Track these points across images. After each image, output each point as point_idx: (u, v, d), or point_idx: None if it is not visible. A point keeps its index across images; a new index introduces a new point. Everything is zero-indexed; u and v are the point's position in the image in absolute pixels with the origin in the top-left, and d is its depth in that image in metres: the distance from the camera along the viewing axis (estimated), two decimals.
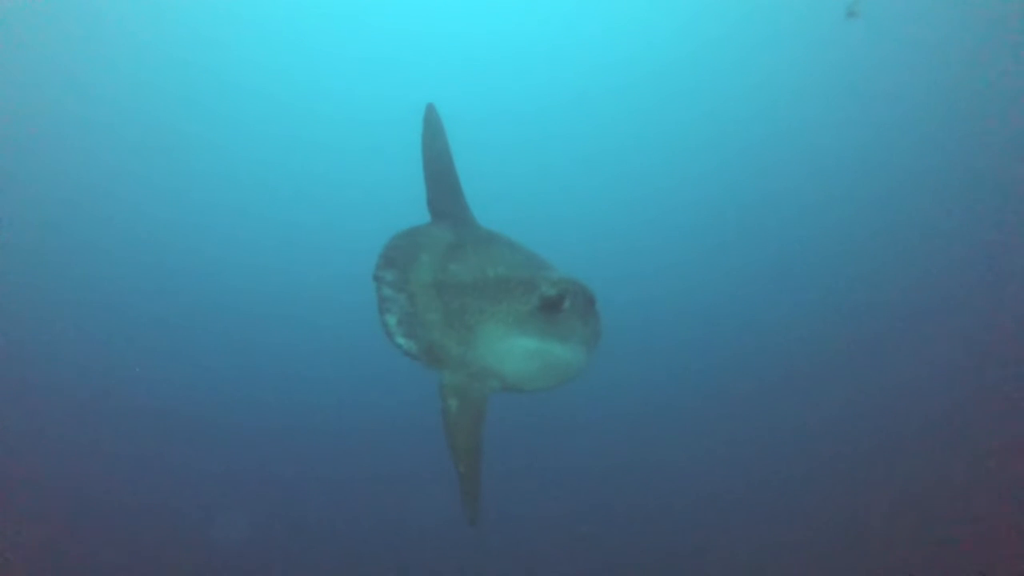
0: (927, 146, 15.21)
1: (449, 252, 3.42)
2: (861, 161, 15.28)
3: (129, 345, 12.49)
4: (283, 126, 16.92)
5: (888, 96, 15.53)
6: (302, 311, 13.51)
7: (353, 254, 14.93)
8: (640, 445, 10.11)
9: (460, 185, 3.87)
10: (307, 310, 13.51)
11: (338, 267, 14.22)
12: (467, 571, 8.44)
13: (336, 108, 17.12)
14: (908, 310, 12.59)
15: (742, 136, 16.48)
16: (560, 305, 3.25)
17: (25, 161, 15.26)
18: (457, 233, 3.60)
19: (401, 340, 3.13)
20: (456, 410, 3.00)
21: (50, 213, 14.69)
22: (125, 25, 15.32)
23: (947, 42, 14.73)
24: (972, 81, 14.88)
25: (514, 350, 3.17)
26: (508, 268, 3.41)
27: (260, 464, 10.32)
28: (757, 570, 8.44)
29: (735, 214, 15.35)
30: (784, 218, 15.14)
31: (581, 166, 16.48)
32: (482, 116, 15.61)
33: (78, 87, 15.70)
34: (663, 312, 13.12)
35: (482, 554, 8.45)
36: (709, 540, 8.74)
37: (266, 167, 16.68)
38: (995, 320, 12.01)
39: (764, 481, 9.47)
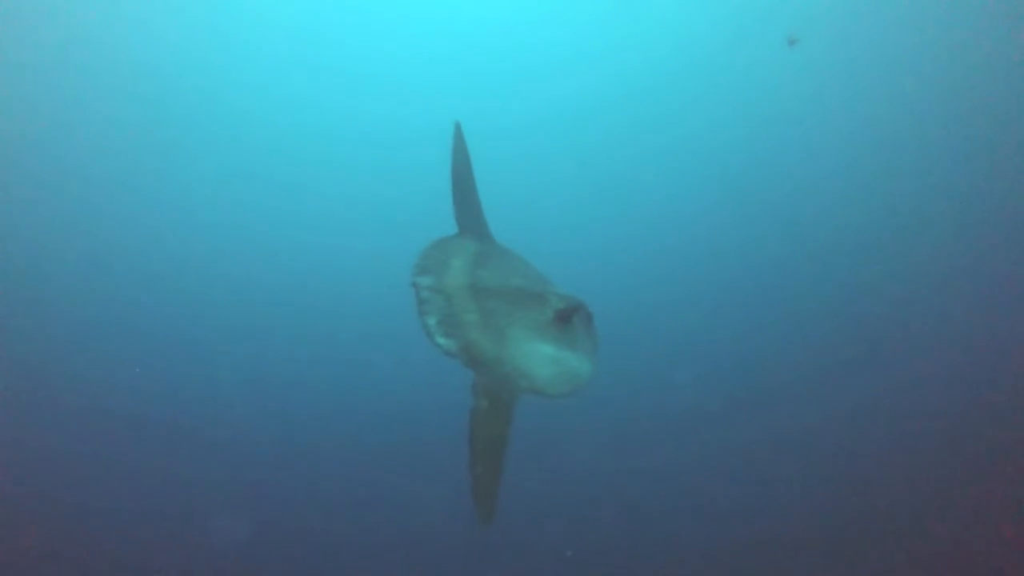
0: (924, 150, 15.39)
1: (477, 259, 3.65)
2: (864, 167, 15.42)
3: (129, 347, 12.48)
4: (287, 130, 17.12)
5: (891, 99, 15.73)
6: (303, 318, 13.56)
7: (355, 261, 15.03)
8: (632, 456, 10.18)
9: (480, 201, 4.10)
10: (308, 316, 13.56)
11: (339, 274, 14.37)
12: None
13: (336, 121, 17.33)
14: (909, 316, 12.61)
15: (740, 145, 16.67)
16: (571, 317, 3.50)
17: (42, 163, 15.33)
18: (481, 244, 3.87)
19: (441, 340, 3.25)
20: (486, 410, 3.10)
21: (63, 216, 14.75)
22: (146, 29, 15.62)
23: (946, 44, 15.06)
24: (972, 85, 15.14)
25: (536, 354, 3.36)
26: (525, 280, 3.69)
27: (260, 469, 10.32)
28: None
29: (736, 221, 15.45)
30: (786, 225, 15.19)
31: (568, 176, 16.65)
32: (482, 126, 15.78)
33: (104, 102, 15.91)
34: (660, 318, 13.22)
35: (476, 561, 8.54)
36: (705, 551, 8.80)
37: (267, 169, 16.83)
38: (999, 324, 12.02)
39: (762, 492, 9.51)
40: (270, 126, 16.93)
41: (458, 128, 4.05)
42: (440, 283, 3.43)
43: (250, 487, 9.90)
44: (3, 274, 13.46)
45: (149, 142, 15.94)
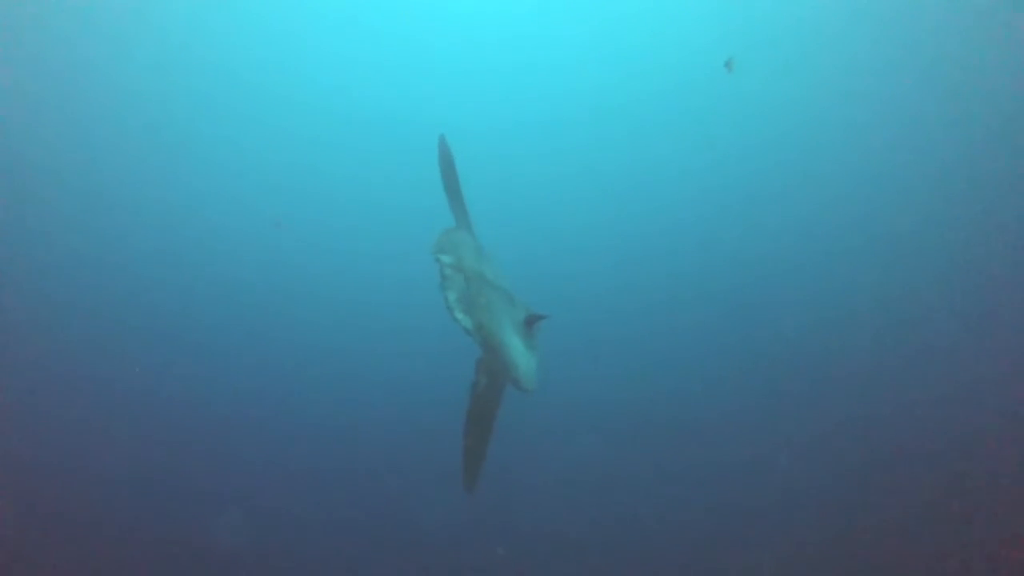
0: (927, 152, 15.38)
1: (478, 254, 3.97)
2: (869, 170, 15.39)
3: (129, 345, 12.58)
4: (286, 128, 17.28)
5: (894, 102, 15.72)
6: (302, 312, 13.66)
7: (353, 258, 15.03)
8: (631, 459, 10.21)
9: (466, 204, 4.39)
10: (307, 311, 13.66)
11: (337, 269, 14.47)
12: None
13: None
14: (912, 321, 12.59)
15: (744, 147, 16.68)
16: (535, 323, 3.89)
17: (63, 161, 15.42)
18: (476, 241, 4.20)
19: (460, 315, 3.56)
20: (484, 387, 3.56)
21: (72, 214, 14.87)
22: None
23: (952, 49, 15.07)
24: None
25: (518, 348, 3.74)
26: (505, 283, 4.04)
27: (260, 464, 10.43)
28: None
29: (738, 225, 15.45)
30: (789, 229, 15.20)
31: (570, 178, 16.70)
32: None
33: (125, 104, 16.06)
34: (659, 322, 13.25)
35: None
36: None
37: (264, 171, 16.97)
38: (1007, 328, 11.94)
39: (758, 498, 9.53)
40: (268, 125, 17.05)
41: (442, 141, 4.33)
42: (459, 263, 3.72)
43: (248, 484, 9.99)
44: (3, 274, 13.57)
45: (149, 142, 16.05)
